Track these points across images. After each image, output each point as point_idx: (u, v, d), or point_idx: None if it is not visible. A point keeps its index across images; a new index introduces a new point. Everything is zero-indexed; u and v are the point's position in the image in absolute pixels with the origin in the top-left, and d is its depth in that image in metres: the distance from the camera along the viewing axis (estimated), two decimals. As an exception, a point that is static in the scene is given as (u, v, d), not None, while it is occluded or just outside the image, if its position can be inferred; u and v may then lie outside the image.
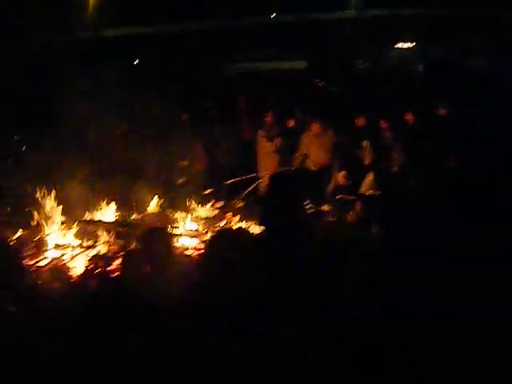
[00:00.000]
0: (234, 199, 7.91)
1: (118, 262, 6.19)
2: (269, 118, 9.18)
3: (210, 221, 7.42)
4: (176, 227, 7.07)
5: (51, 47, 10.86)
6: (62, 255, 6.18)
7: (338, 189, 8.64)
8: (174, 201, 7.93)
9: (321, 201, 8.74)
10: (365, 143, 8.57)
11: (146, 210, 7.74)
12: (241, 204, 7.73)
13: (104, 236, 6.65)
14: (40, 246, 6.39)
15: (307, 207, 8.19)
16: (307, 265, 4.03)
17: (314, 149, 8.79)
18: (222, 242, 4.05)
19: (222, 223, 7.37)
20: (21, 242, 6.42)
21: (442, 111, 8.28)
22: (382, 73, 12.46)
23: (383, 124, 8.58)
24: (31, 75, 9.81)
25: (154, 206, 7.84)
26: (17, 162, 8.35)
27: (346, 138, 8.72)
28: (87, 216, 7.16)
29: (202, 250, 6.13)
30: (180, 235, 6.80)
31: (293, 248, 4.00)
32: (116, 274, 6.03)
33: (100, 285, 5.63)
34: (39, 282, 5.38)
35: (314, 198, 8.53)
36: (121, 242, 6.57)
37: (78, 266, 5.99)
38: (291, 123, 9.18)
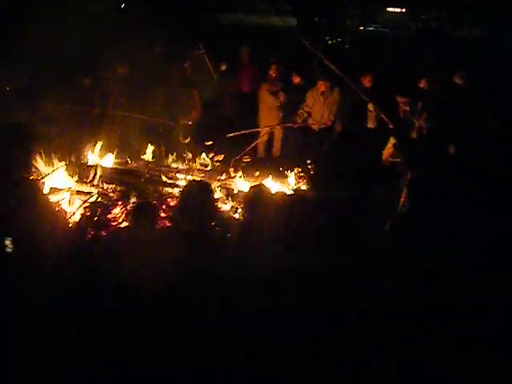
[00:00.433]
0: (236, 154, 7.69)
1: (117, 210, 6.08)
2: (273, 72, 8.91)
3: (210, 173, 7.26)
4: (174, 178, 6.90)
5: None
6: (60, 200, 5.98)
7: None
8: (173, 150, 7.75)
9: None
10: (370, 106, 8.38)
11: (143, 159, 7.54)
12: (246, 159, 7.52)
13: (102, 182, 6.48)
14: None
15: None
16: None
17: (318, 107, 8.59)
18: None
19: (222, 177, 7.20)
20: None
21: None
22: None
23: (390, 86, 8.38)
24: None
25: (151, 154, 7.65)
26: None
27: (350, 98, 8.50)
28: (85, 160, 6.96)
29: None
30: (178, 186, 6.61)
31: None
32: (115, 223, 5.92)
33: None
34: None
35: (313, 159, 8.46)
36: (122, 189, 6.41)
37: (75, 212, 5.84)
38: (297, 79, 8.93)
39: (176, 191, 6.43)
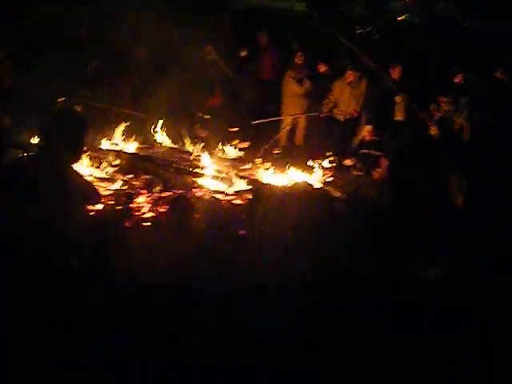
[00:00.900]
0: (262, 143, 7.44)
1: (140, 199, 5.85)
2: (299, 59, 8.61)
3: (234, 162, 7.02)
4: (199, 167, 6.65)
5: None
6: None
7: (364, 143, 8.25)
8: (196, 137, 7.50)
9: (345, 153, 8.44)
10: (398, 98, 8.10)
11: (165, 145, 7.30)
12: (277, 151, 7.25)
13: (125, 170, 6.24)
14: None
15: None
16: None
17: (344, 97, 8.32)
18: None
19: (247, 166, 6.96)
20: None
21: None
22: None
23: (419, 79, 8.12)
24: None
25: (173, 140, 7.41)
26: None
27: (378, 89, 8.23)
28: (106, 145, 6.73)
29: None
30: (203, 176, 6.37)
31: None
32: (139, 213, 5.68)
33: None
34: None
35: (337, 150, 8.23)
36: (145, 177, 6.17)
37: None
38: (323, 68, 8.63)
39: (202, 181, 6.19)
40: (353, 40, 7.94)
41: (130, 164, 6.32)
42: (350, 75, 8.15)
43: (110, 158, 6.36)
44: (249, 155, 7.33)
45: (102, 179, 6.04)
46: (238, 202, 6.01)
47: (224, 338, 3.33)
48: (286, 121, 8.88)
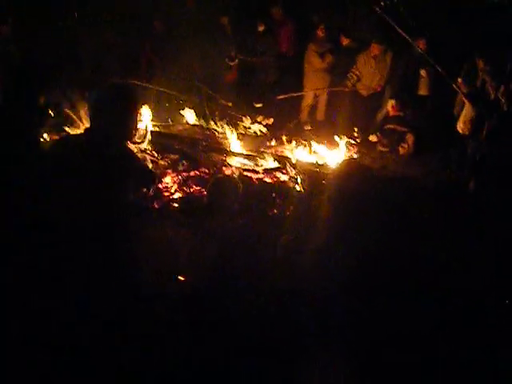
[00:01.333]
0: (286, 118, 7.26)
1: (167, 179, 5.70)
2: (321, 32, 8.37)
3: (259, 139, 6.86)
4: (226, 144, 6.50)
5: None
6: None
7: (389, 118, 8.07)
8: (219, 114, 7.32)
9: (369, 129, 8.29)
10: (423, 72, 7.89)
11: (186, 123, 7.13)
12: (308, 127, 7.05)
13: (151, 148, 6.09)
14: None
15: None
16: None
17: (368, 71, 8.11)
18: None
19: (273, 143, 6.81)
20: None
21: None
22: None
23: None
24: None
25: (195, 118, 7.23)
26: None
27: (403, 62, 8.01)
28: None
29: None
30: (233, 154, 6.22)
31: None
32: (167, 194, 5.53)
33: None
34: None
35: (361, 125, 8.06)
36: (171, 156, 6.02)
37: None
38: (345, 41, 8.38)
39: (230, 159, 6.05)
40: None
41: (156, 142, 6.15)
42: (375, 48, 7.92)
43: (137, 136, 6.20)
44: (273, 131, 7.16)
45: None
46: (268, 180, 5.90)
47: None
48: (308, 96, 8.67)
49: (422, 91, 8.08)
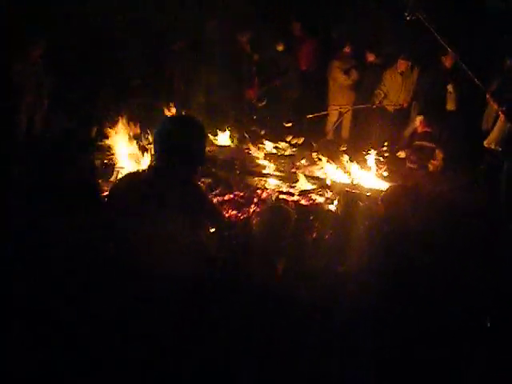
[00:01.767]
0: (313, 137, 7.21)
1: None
2: (347, 48, 8.32)
3: (291, 159, 6.81)
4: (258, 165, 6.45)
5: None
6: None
7: (417, 134, 8.00)
8: (249, 134, 7.28)
9: (397, 145, 8.22)
10: (450, 87, 7.83)
11: (219, 144, 7.10)
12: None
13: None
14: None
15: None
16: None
17: (395, 87, 8.06)
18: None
19: (304, 162, 6.76)
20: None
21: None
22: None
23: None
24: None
25: (227, 138, 7.19)
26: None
27: (430, 78, 7.94)
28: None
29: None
30: (267, 175, 6.15)
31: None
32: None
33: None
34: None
35: (390, 142, 8.00)
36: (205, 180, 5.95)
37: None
38: (371, 57, 8.34)
39: (268, 182, 5.99)
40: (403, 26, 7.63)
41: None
42: (402, 64, 7.87)
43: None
44: (303, 151, 7.11)
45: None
46: (304, 202, 5.84)
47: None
48: (333, 114, 8.63)
49: (450, 106, 8.00)
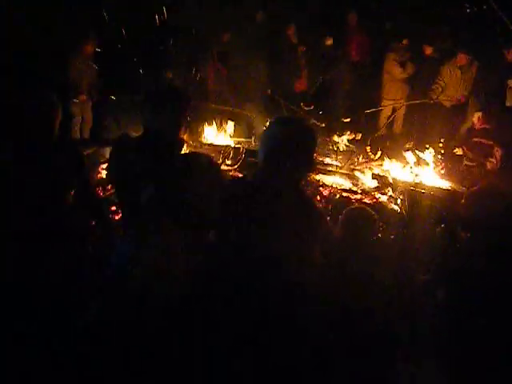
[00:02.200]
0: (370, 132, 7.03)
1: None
2: (405, 41, 8.09)
3: (348, 155, 6.63)
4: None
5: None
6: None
7: (475, 131, 7.74)
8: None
9: (454, 142, 7.97)
10: (511, 82, 7.55)
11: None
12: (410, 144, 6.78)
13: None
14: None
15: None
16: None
17: (454, 82, 7.80)
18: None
19: (362, 159, 6.57)
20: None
21: None
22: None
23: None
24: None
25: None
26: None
27: (490, 73, 7.67)
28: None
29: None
30: (329, 172, 5.99)
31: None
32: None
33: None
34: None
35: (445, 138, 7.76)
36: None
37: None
38: (429, 50, 8.08)
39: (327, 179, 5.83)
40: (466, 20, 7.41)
41: (243, 161, 5.97)
42: (462, 58, 7.60)
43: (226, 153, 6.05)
44: (361, 147, 6.93)
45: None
46: (368, 201, 5.68)
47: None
48: (387, 108, 8.41)
49: (510, 102, 7.73)
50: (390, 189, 5.73)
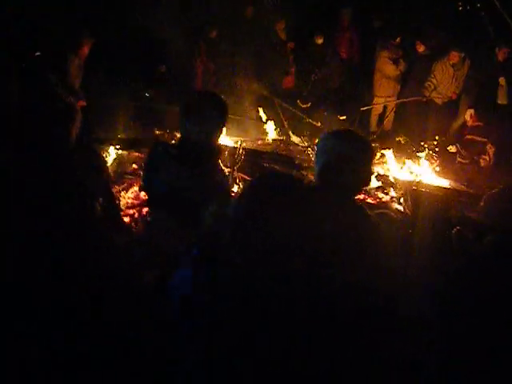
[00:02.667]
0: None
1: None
2: (398, 39, 8.05)
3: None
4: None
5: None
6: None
7: (468, 128, 7.78)
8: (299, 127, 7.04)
9: (447, 140, 7.99)
10: (502, 80, 7.59)
11: (267, 137, 6.84)
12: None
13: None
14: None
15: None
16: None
17: (446, 80, 7.81)
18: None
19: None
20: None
21: None
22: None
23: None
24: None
25: (275, 131, 6.94)
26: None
27: (482, 70, 7.70)
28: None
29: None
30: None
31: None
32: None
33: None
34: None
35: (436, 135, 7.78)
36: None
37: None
38: (421, 48, 8.05)
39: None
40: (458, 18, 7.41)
41: (249, 162, 5.83)
42: (455, 56, 7.61)
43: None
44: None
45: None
46: (371, 201, 5.62)
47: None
48: (375, 104, 8.39)
49: (501, 100, 7.77)
50: (392, 188, 5.67)
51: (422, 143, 7.16)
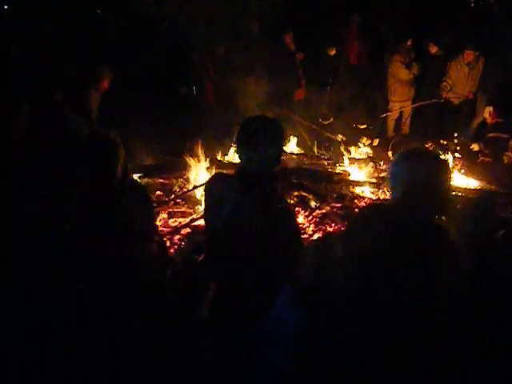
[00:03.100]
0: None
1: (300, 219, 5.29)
2: (409, 42, 7.99)
3: (369, 162, 6.48)
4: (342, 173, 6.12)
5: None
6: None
7: (489, 126, 7.67)
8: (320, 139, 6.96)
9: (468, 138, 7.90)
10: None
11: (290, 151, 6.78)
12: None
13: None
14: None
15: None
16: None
17: (461, 79, 7.73)
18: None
19: (385, 165, 6.44)
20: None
21: None
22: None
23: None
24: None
25: (294, 144, 6.88)
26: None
27: (498, 67, 7.63)
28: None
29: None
30: (359, 182, 5.83)
31: None
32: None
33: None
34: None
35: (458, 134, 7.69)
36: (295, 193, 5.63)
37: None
38: (434, 49, 7.99)
39: (363, 190, 5.65)
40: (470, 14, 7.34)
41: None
42: (470, 55, 7.54)
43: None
44: (378, 152, 6.79)
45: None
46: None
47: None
48: (391, 109, 8.32)
49: (518, 97, 7.69)
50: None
51: (445, 143, 7.07)
